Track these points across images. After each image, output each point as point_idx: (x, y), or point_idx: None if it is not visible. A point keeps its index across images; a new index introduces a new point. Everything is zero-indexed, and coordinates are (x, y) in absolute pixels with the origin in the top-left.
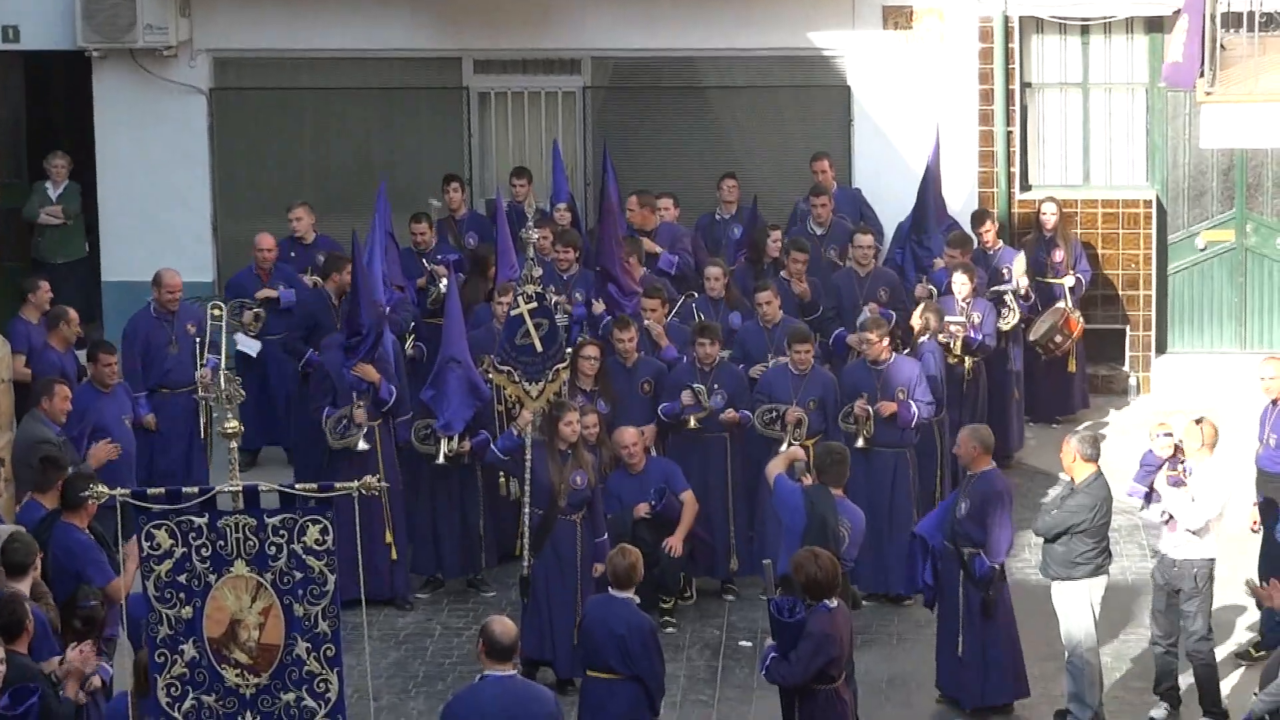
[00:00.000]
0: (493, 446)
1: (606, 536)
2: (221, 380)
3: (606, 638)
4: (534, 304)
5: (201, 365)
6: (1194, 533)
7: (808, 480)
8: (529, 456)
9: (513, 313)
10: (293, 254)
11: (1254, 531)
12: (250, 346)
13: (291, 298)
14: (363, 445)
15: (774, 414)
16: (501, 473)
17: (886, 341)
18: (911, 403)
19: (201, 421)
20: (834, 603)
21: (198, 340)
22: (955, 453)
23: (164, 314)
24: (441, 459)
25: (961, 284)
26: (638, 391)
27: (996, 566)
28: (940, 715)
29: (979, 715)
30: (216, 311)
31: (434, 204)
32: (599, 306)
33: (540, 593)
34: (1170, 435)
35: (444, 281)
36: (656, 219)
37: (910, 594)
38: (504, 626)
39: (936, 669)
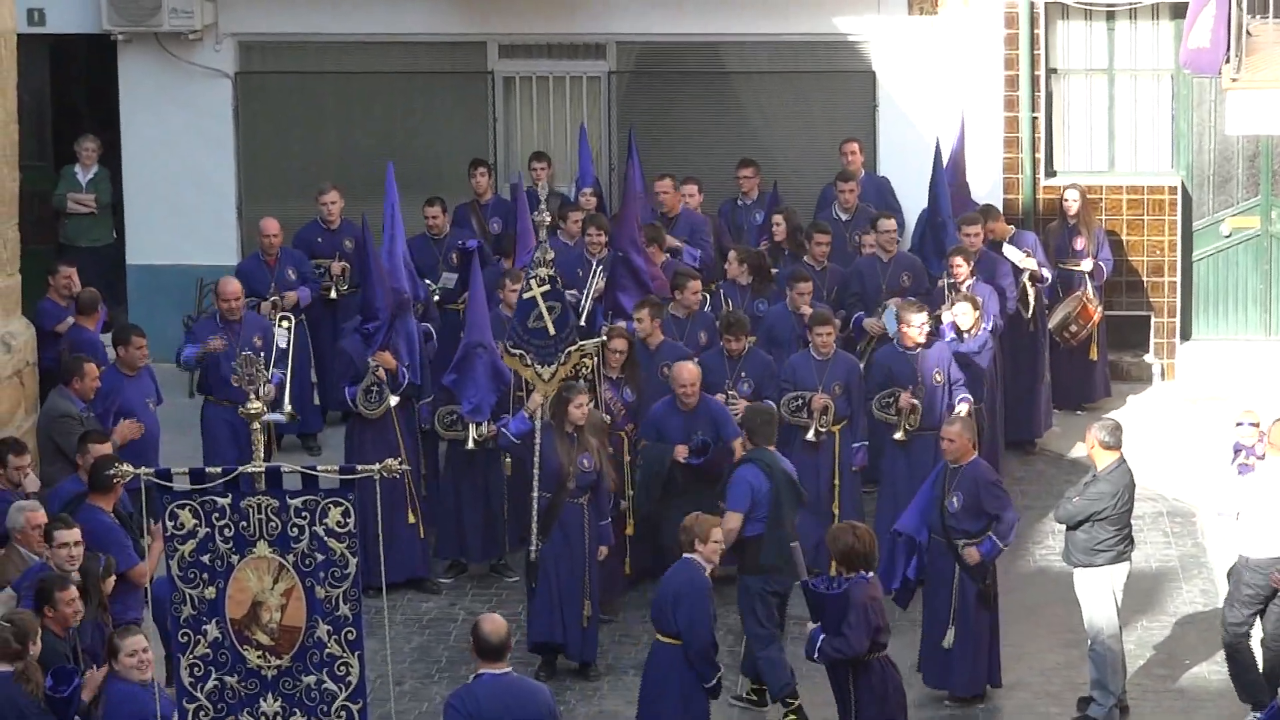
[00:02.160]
0: (503, 430)
1: (609, 520)
2: (286, 403)
3: (665, 597)
4: (546, 287)
5: (266, 381)
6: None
7: None
8: (538, 440)
9: (525, 296)
10: (319, 239)
11: None
12: (281, 338)
13: (307, 296)
14: (393, 400)
15: (800, 401)
16: (506, 454)
17: (927, 327)
18: (960, 403)
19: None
20: (870, 573)
21: (261, 355)
22: (945, 447)
23: (227, 324)
24: (471, 444)
25: (958, 266)
26: (658, 374)
27: (1005, 546)
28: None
29: (970, 703)
30: (285, 323)
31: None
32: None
33: (549, 576)
34: (1256, 425)
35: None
36: (681, 204)
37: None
38: (494, 625)
39: (920, 661)
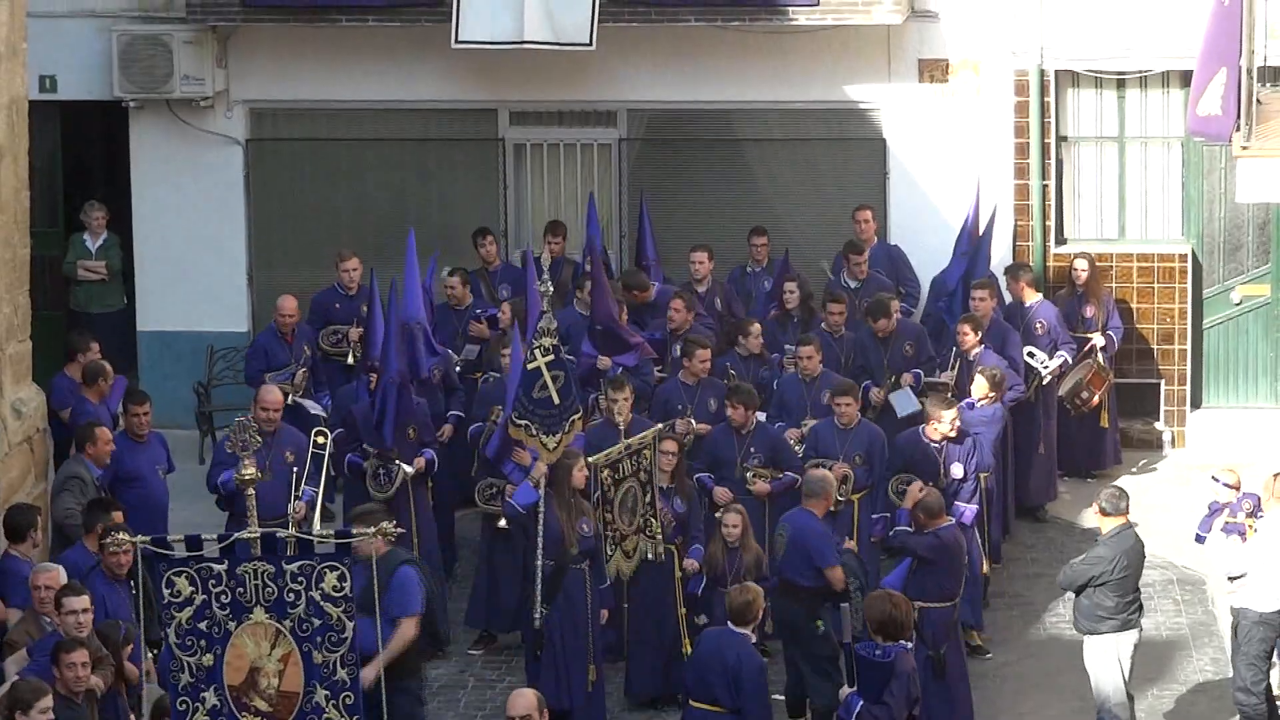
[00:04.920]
0: (510, 500)
1: (609, 582)
2: (316, 521)
3: (718, 670)
4: (551, 356)
5: (297, 497)
6: (1231, 579)
7: None
8: (541, 509)
9: (529, 366)
10: (337, 305)
11: None
12: (314, 407)
13: (327, 403)
14: (409, 469)
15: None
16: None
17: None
18: (961, 505)
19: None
20: (909, 643)
21: (295, 470)
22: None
23: (260, 434)
24: (504, 522)
25: (965, 335)
26: None
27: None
28: None
29: None
30: (320, 439)
31: None
32: (605, 361)
33: (555, 642)
34: (1234, 486)
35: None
36: (650, 294)
37: None
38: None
39: None
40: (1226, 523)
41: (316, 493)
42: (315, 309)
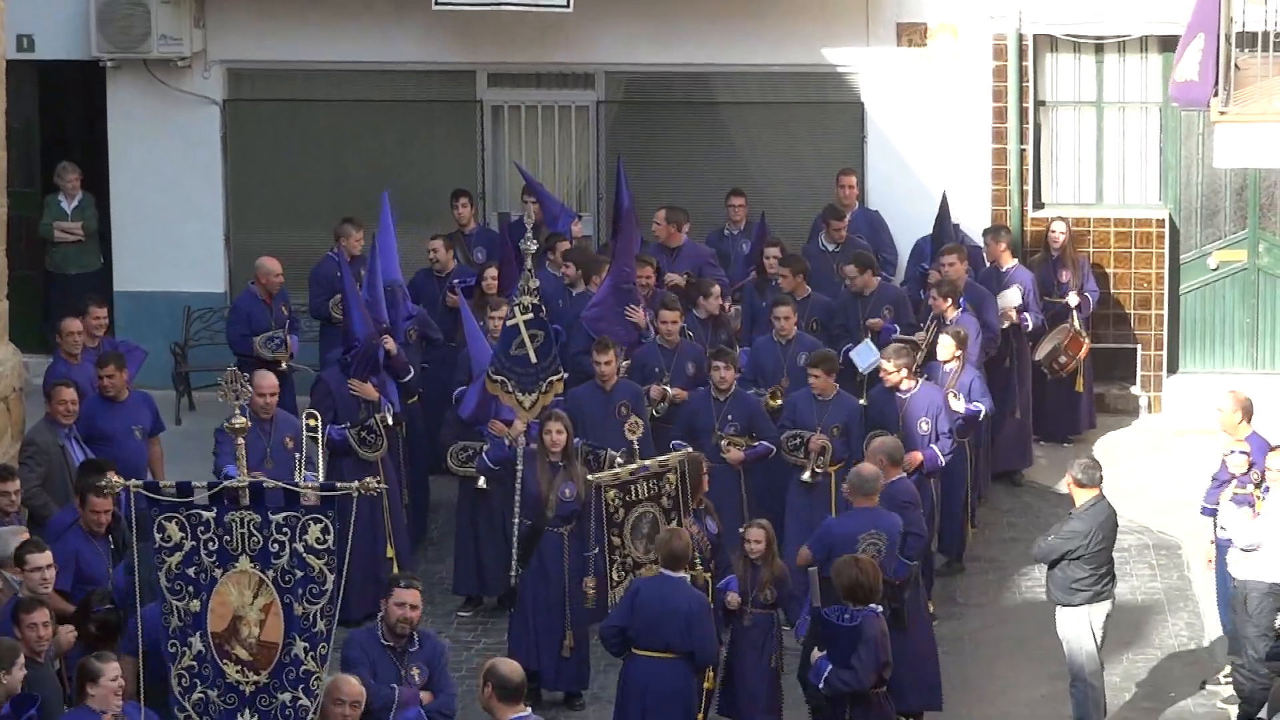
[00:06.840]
0: (483, 455)
1: (599, 549)
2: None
3: (666, 615)
4: (530, 315)
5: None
6: (1245, 551)
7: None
8: (519, 467)
9: (509, 323)
10: (338, 274)
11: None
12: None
13: (294, 344)
14: (387, 415)
15: (798, 440)
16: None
17: (905, 371)
18: (934, 448)
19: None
20: (879, 607)
21: (296, 457)
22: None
23: (258, 420)
24: (483, 483)
25: (939, 300)
26: (614, 415)
27: (911, 564)
28: None
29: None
30: (312, 422)
31: None
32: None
33: (527, 604)
34: (1246, 454)
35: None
36: (682, 237)
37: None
38: (510, 667)
39: None
40: (1235, 494)
41: (317, 477)
42: (319, 280)
